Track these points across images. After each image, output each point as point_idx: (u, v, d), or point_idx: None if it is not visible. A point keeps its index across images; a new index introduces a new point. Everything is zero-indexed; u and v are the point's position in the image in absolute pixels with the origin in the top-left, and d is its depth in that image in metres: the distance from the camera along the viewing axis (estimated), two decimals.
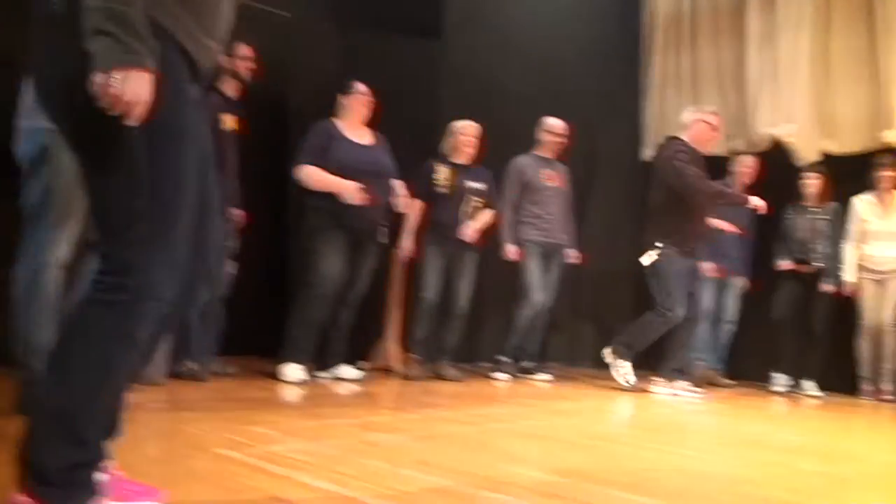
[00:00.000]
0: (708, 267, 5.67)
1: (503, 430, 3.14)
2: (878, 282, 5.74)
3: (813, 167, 6.06)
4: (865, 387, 5.71)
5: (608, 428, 3.64)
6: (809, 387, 5.79)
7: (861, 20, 6.25)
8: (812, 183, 6.00)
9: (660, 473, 2.41)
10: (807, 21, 6.30)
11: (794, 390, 5.82)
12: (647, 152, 7.23)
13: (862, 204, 5.86)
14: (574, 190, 5.94)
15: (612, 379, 5.15)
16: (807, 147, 6.27)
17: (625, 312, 7.24)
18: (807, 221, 5.98)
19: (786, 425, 4.13)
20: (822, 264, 5.86)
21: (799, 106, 6.29)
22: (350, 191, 4.30)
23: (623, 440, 3.18)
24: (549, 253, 5.62)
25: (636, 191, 7.31)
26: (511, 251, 5.50)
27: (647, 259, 5.07)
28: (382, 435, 2.77)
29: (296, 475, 2.01)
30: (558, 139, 5.71)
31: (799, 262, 5.95)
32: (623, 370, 5.12)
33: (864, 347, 5.72)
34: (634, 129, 7.42)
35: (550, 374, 5.63)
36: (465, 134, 5.23)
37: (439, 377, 5.04)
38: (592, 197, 7.08)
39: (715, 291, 5.97)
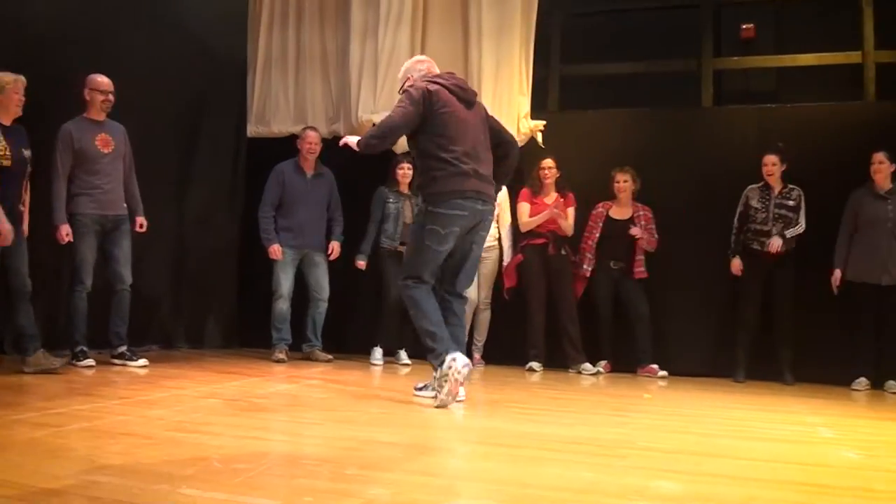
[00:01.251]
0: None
1: (84, 431, 2.89)
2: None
3: (405, 156, 6.47)
4: None
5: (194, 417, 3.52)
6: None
7: (455, 23, 6.84)
8: (404, 171, 6.43)
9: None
10: (406, 17, 6.71)
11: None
12: (252, 128, 7.23)
13: None
14: (179, 164, 5.69)
15: (213, 358, 5.03)
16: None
17: (229, 288, 7.22)
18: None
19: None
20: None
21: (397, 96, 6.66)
22: None
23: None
24: (110, 227, 5.15)
25: (239, 167, 7.32)
26: (63, 232, 4.92)
27: None
28: None
29: None
30: (106, 97, 5.11)
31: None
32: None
33: None
34: (241, 106, 7.35)
35: (148, 357, 5.35)
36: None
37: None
38: (196, 172, 6.85)
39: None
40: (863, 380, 5.83)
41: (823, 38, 6.81)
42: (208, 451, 2.50)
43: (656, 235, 6.41)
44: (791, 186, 6.11)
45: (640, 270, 6.40)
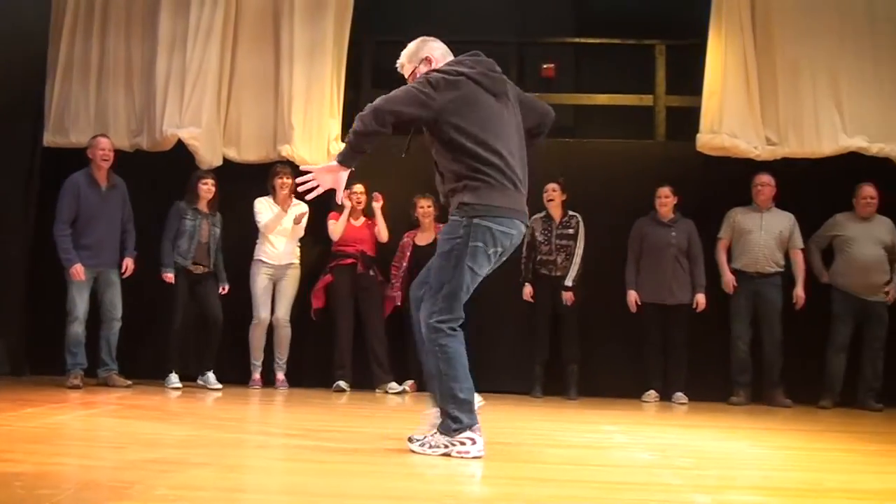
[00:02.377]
0: None
1: None
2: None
3: (209, 172, 6.33)
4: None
5: None
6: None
7: (267, 43, 6.79)
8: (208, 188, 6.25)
9: None
10: (216, 32, 6.58)
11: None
12: (49, 138, 6.79)
13: (260, 202, 6.43)
14: None
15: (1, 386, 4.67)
16: (210, 151, 6.55)
17: (16, 311, 6.74)
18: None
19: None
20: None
21: (205, 111, 6.52)
22: None
23: None
24: None
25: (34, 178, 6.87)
26: None
27: None
28: None
29: None
30: None
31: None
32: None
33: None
34: (39, 114, 6.90)
35: None
36: None
37: None
38: None
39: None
40: (652, 392, 6.34)
41: (619, 80, 7.40)
42: (8, 479, 2.34)
43: None
44: (571, 214, 6.55)
45: None
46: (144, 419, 4.16)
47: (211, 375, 6.14)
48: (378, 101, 3.13)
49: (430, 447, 3.13)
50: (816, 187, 6.54)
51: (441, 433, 3.14)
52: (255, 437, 3.61)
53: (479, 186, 3.15)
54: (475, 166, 3.16)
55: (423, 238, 6.61)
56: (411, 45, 3.48)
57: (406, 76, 3.46)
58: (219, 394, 5.84)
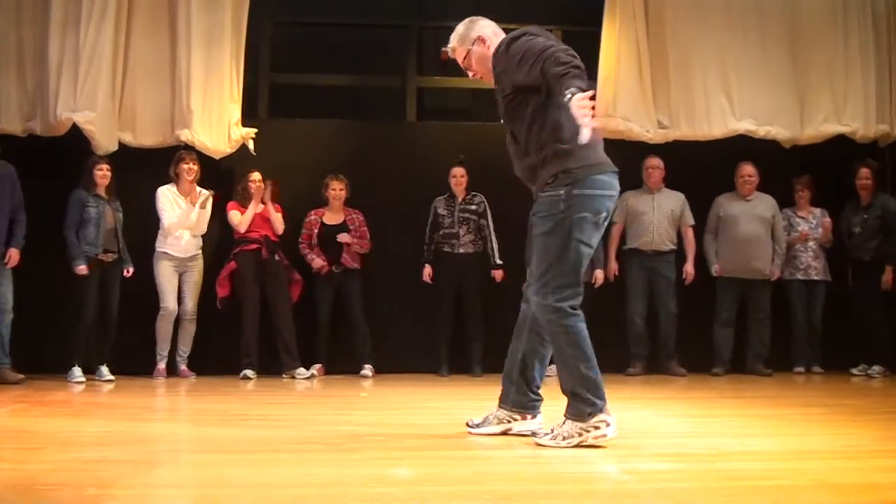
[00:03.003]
0: None
1: None
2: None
3: (103, 158, 6.17)
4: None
5: None
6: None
7: (164, 24, 6.64)
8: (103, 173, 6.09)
9: None
10: (110, 15, 6.38)
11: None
12: None
13: (163, 193, 6.29)
14: None
15: None
16: (105, 136, 6.38)
17: None
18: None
19: None
20: None
21: (100, 95, 6.33)
22: None
23: None
24: None
25: None
26: None
27: None
28: None
29: None
30: None
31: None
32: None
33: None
34: None
35: None
36: None
37: None
38: None
39: None
40: (554, 367, 6.56)
41: None
42: None
43: (368, 238, 6.68)
44: (474, 193, 6.71)
45: (350, 266, 6.61)
46: (55, 416, 4.07)
47: (104, 368, 6.00)
48: (563, 58, 2.83)
49: (564, 438, 2.98)
50: (706, 169, 6.90)
51: (572, 419, 2.99)
52: (172, 427, 3.59)
53: (569, 150, 2.96)
54: (559, 136, 3.00)
55: (331, 218, 6.68)
56: (460, 28, 3.36)
57: (460, 61, 3.37)
58: (111, 386, 5.73)
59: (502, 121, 3.28)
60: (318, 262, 6.55)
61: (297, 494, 2.25)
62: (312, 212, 6.69)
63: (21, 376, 5.72)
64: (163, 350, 6.30)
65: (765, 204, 6.80)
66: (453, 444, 3.19)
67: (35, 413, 4.21)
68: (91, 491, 2.26)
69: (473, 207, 6.68)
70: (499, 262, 6.63)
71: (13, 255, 5.79)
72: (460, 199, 6.69)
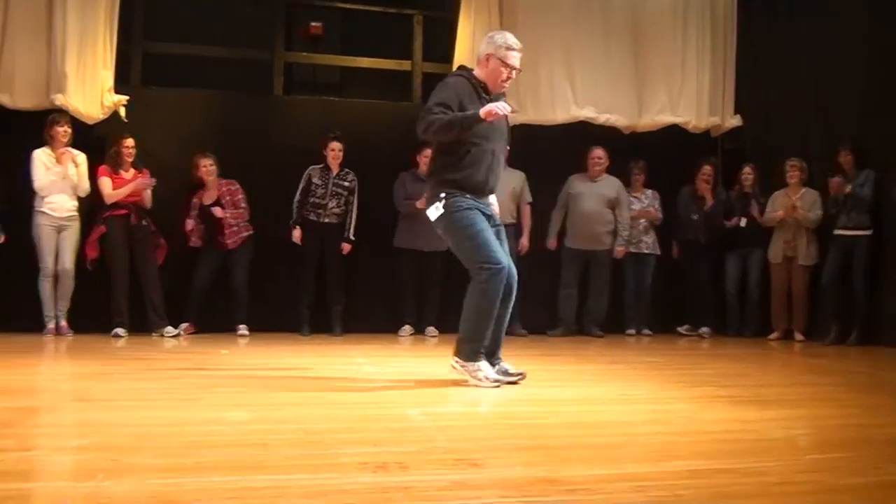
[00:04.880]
0: None
1: None
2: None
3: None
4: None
5: None
6: None
7: None
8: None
9: None
10: None
11: None
12: None
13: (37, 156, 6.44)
14: None
15: None
16: None
17: None
18: None
19: None
20: None
21: None
22: None
23: None
24: None
25: None
26: None
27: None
28: None
29: None
30: None
31: None
32: (481, 373, 3.94)
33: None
34: None
35: None
36: None
37: None
38: None
39: None
40: (407, 327, 7.24)
41: (382, 45, 8.07)
42: None
43: (244, 206, 7.04)
44: (347, 170, 7.17)
45: (232, 242, 6.98)
46: None
47: None
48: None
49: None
50: (555, 151, 7.60)
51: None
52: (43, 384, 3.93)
53: None
54: None
55: (208, 197, 7.00)
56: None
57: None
58: None
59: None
60: (194, 241, 6.97)
61: (155, 432, 2.69)
62: (195, 196, 7.01)
63: None
64: (49, 311, 6.50)
65: (610, 185, 7.60)
66: (290, 391, 3.71)
67: None
68: None
69: (346, 184, 7.13)
70: (352, 237, 7.13)
71: None
72: (335, 173, 7.12)
